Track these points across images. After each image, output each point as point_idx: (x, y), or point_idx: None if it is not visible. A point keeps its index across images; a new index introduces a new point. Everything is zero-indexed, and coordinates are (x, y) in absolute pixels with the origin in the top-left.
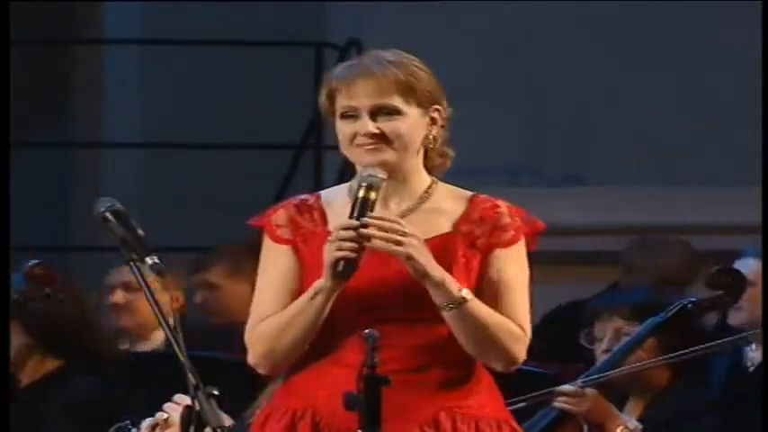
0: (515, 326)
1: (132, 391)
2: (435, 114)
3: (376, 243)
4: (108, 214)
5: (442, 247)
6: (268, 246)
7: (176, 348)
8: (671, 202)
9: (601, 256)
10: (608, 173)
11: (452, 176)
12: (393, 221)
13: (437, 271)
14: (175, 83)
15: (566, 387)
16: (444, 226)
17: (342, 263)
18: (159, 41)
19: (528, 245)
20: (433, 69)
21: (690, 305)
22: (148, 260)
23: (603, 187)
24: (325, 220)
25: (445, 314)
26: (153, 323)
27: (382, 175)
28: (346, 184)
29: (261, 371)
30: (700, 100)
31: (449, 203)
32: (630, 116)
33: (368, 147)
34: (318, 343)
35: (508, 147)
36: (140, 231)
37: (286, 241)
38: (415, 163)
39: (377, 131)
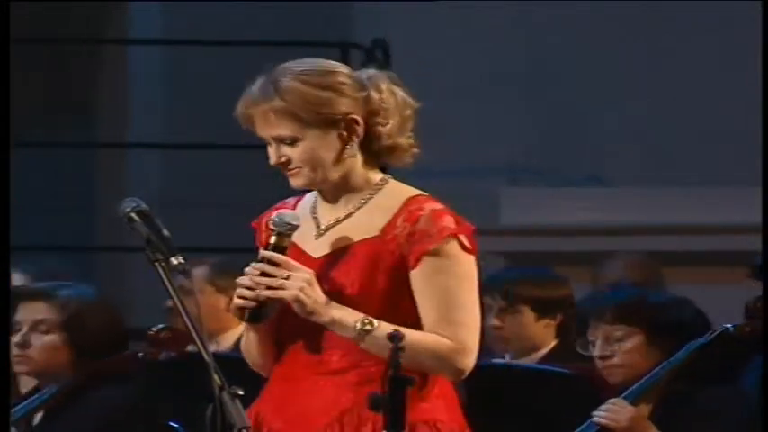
0: (442, 340)
1: (164, 394)
2: (351, 125)
3: (263, 293)
4: (133, 214)
5: (370, 252)
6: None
7: (201, 348)
8: (686, 203)
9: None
10: (624, 173)
11: (465, 175)
12: (279, 264)
13: (326, 311)
14: (200, 83)
15: (609, 402)
16: (375, 228)
17: (246, 311)
18: (183, 42)
19: (464, 248)
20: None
21: (732, 328)
22: (173, 260)
23: (619, 188)
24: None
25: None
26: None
27: (295, 221)
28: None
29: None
30: (714, 99)
31: (389, 204)
32: (648, 115)
33: (286, 173)
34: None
35: (524, 145)
36: (165, 231)
37: (261, 245)
38: (345, 170)
39: (282, 161)
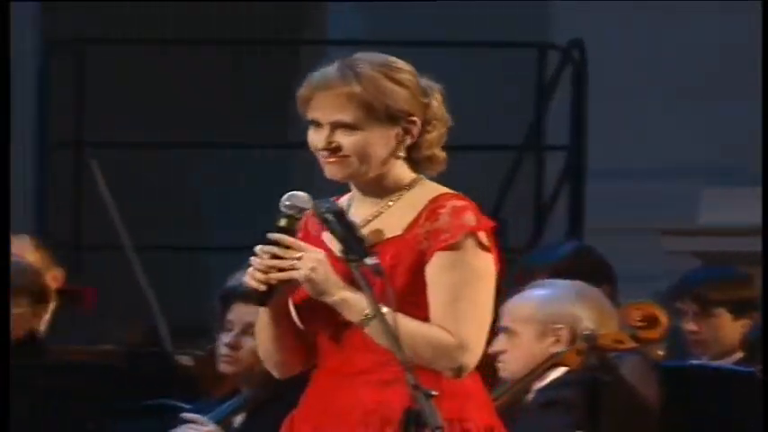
0: (446, 335)
1: None
2: (410, 126)
3: (274, 276)
4: (328, 215)
5: (393, 251)
6: None
7: (395, 349)
8: None
9: None
10: None
11: (663, 175)
12: (290, 246)
13: (337, 290)
14: None
15: None
16: (400, 227)
17: (256, 293)
18: (378, 42)
19: (480, 246)
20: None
21: None
22: (368, 261)
23: None
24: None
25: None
26: None
27: (305, 205)
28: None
29: (274, 374)
30: None
31: (415, 203)
32: None
33: (328, 160)
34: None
35: (722, 145)
36: (360, 232)
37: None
38: (388, 170)
39: (332, 146)
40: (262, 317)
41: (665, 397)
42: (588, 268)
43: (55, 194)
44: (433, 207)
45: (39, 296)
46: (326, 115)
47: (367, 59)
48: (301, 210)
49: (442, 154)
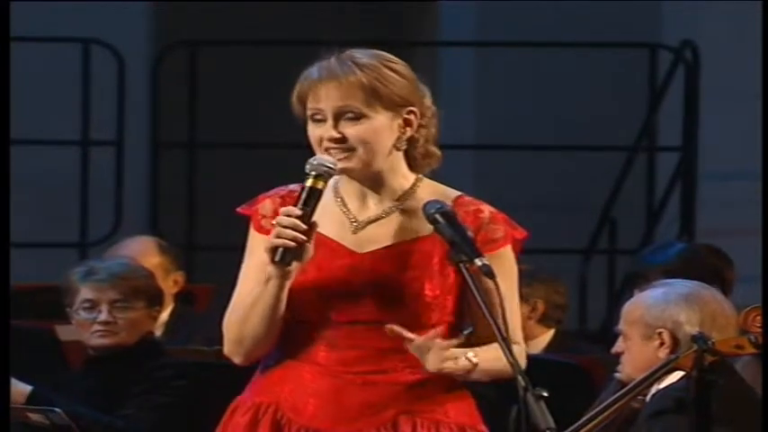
0: (514, 344)
1: None
2: (410, 116)
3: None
4: (437, 216)
5: (417, 251)
6: (252, 235)
7: (504, 351)
8: None
9: None
10: None
11: None
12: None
13: None
14: (508, 84)
15: None
16: (424, 228)
17: (280, 250)
18: (492, 43)
19: (515, 251)
20: None
21: None
22: (477, 261)
23: None
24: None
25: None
26: None
27: (332, 164)
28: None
29: (236, 360)
30: None
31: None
32: None
33: (334, 151)
34: (289, 339)
35: None
36: (469, 233)
37: (267, 231)
38: (391, 164)
39: (338, 136)
40: (268, 288)
41: None
42: (698, 269)
43: (167, 195)
44: (466, 209)
45: (153, 299)
46: (331, 104)
47: (362, 52)
48: (330, 170)
49: (437, 151)
